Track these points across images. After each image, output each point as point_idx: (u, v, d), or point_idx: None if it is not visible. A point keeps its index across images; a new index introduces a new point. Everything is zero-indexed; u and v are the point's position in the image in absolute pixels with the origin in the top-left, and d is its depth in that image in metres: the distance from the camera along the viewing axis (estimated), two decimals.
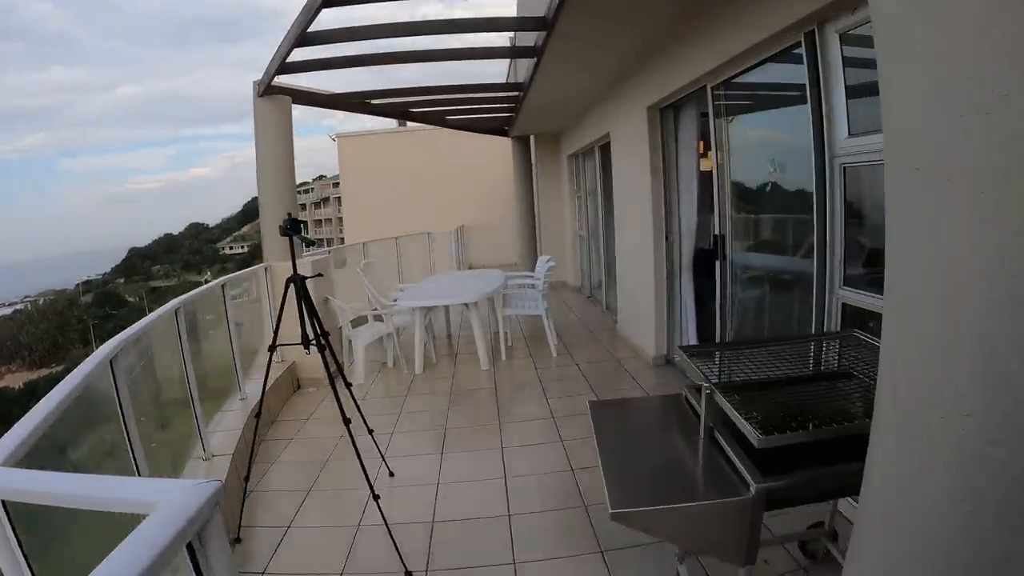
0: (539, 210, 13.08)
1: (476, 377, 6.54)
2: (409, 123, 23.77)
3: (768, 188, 4.45)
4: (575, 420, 5.07)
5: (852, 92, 3.35)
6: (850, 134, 3.36)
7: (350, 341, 6.68)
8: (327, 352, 3.77)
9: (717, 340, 5.09)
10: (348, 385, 4.06)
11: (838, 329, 3.57)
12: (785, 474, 2.01)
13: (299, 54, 5.82)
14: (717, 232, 4.90)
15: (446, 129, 18.75)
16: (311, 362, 6.24)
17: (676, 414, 2.73)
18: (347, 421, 3.57)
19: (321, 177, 79.71)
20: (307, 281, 3.79)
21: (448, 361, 7.25)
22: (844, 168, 3.45)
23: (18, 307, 71.42)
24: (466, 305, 6.68)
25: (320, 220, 71.30)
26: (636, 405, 3.85)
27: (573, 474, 4.15)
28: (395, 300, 7.22)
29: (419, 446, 4.88)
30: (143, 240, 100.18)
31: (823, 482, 2.08)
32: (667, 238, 6.29)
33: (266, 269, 6.42)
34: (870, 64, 2.19)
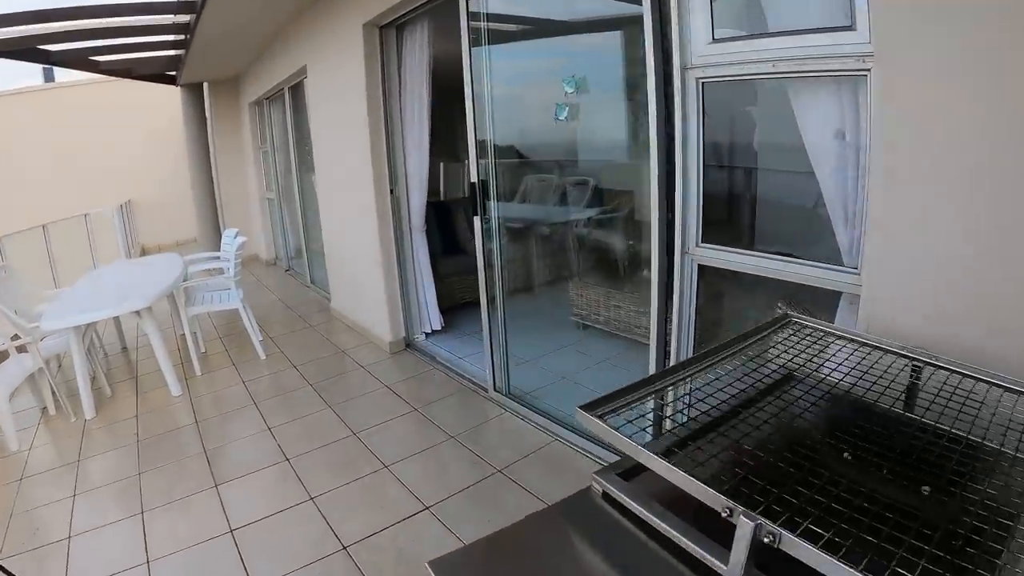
0: (218, 173, 10.73)
1: (169, 409, 4.57)
2: (56, 79, 19.13)
3: (565, 116, 3.28)
4: (320, 457, 3.60)
5: None
6: (714, 39, 2.31)
7: None
8: None
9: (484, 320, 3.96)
10: None
11: (692, 296, 2.58)
12: None
13: None
14: (476, 178, 3.65)
15: (101, 85, 15.38)
16: None
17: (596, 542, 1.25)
18: None
19: None
20: None
21: (129, 389, 5.06)
22: (702, 84, 2.40)
23: None
24: (137, 313, 4.69)
25: None
26: (512, 543, 2.50)
27: (348, 556, 2.74)
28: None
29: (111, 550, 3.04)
30: None
31: None
32: (392, 192, 4.97)
33: None
34: None
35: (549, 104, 3.26)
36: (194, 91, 10.19)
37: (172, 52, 8.13)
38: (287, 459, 3.61)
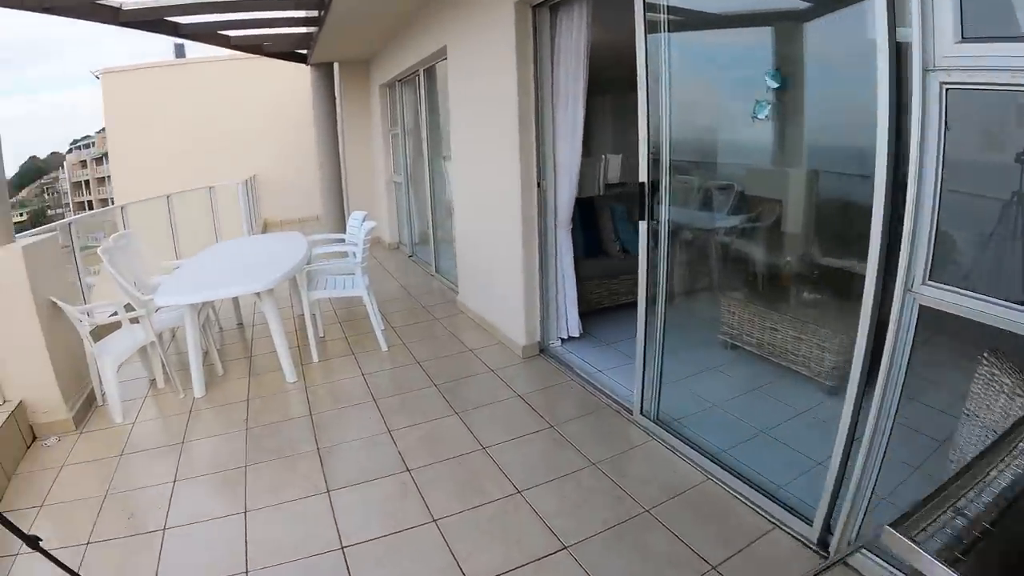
0: (345, 154, 10.89)
1: (282, 397, 4.51)
2: (188, 55, 20.23)
3: (766, 115, 2.89)
4: (444, 472, 3.36)
5: None
6: (963, 37, 1.90)
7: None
8: None
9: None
10: None
11: (907, 343, 2.18)
12: None
13: None
14: (646, 178, 3.32)
15: (233, 61, 16.06)
16: (49, 396, 4.14)
17: None
18: None
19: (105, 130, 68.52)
20: None
21: (241, 369, 5.09)
22: (947, 91, 1.99)
23: None
24: (256, 293, 4.66)
25: (103, 178, 60.04)
26: None
27: None
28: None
29: (208, 551, 2.91)
30: None
31: None
32: (539, 185, 4.70)
33: None
34: None
35: (738, 100, 2.90)
36: (324, 71, 10.35)
37: (304, 29, 8.19)
38: (408, 470, 3.40)
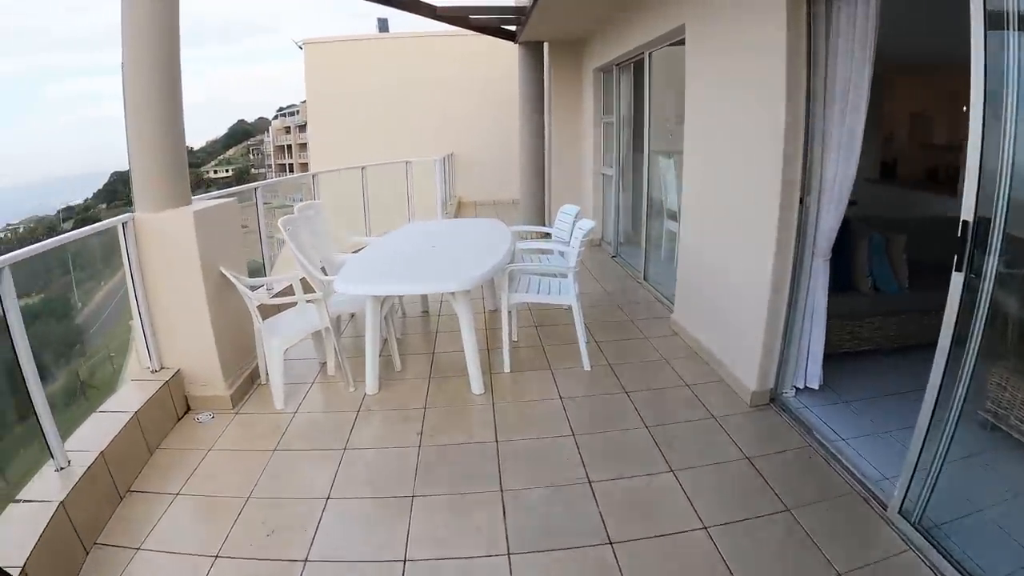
0: (550, 140, 10.58)
1: (465, 411, 4.19)
2: (391, 28, 20.93)
3: None
4: (656, 552, 2.80)
5: None
6: None
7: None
8: None
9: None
10: None
11: None
12: None
13: None
14: (971, 215, 2.54)
15: (435, 38, 16.37)
16: (208, 368, 4.14)
17: None
18: None
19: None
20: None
21: (421, 367, 4.87)
22: None
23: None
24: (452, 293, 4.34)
25: (305, 144, 65.52)
26: None
27: None
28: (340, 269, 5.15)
29: None
30: (124, 164, 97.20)
31: None
32: (801, 202, 3.97)
33: (123, 225, 3.92)
34: None
35: None
36: (533, 50, 10.05)
37: (516, 1, 7.85)
38: (610, 542, 2.87)
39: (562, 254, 5.49)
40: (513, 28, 9.70)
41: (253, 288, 4.52)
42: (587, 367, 4.78)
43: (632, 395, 4.37)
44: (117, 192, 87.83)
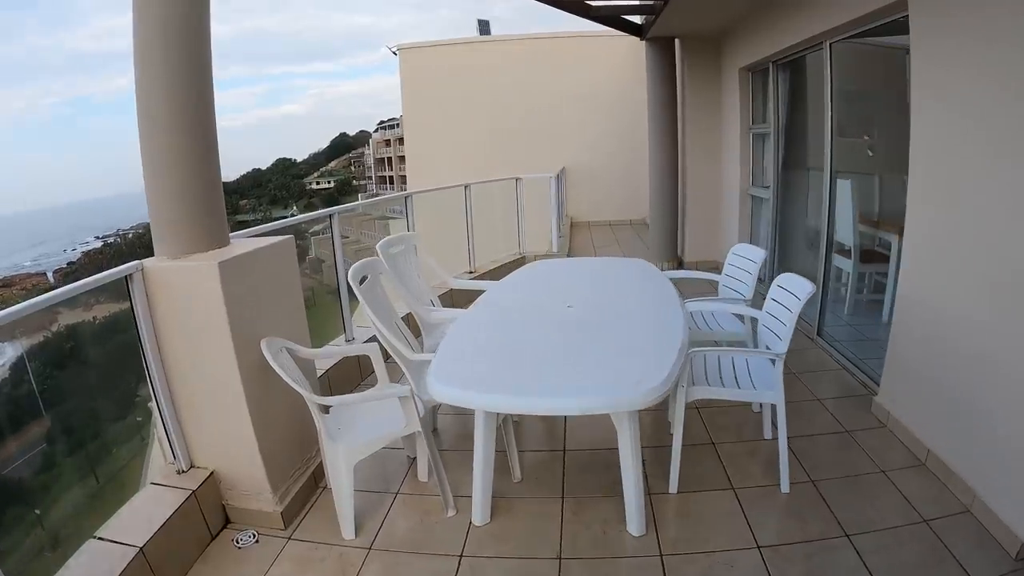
0: (683, 152, 9.34)
1: (618, 567, 3.03)
2: (493, 32, 20.15)
3: None
4: None
5: None
6: None
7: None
8: None
9: None
10: None
11: None
12: None
13: None
14: None
15: (541, 40, 15.41)
16: (250, 472, 3.25)
17: None
18: None
19: None
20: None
21: (550, 483, 3.68)
22: None
23: (110, 240, 72.55)
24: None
25: (404, 156, 67.13)
26: None
27: None
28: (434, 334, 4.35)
29: None
30: (232, 176, 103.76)
31: None
32: None
33: (128, 277, 3.05)
34: None
35: None
36: (663, 48, 8.92)
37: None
38: None
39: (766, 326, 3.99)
40: (640, 21, 8.62)
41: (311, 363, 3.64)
42: (785, 488, 3.55)
43: (856, 541, 3.11)
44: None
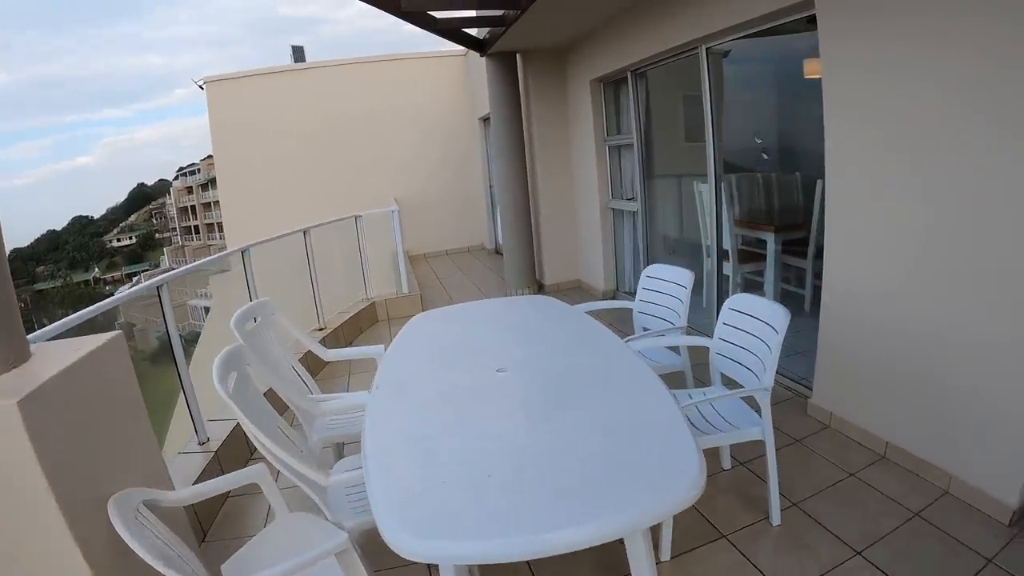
0: (533, 170, 9.31)
1: None
2: (308, 59, 19.10)
3: None
4: None
5: None
6: None
7: None
8: None
9: None
10: None
11: None
12: None
13: None
14: None
15: (362, 64, 14.74)
16: None
17: None
18: None
19: (211, 157, 78.05)
20: None
21: None
22: None
23: None
24: None
25: (209, 203, 68.39)
26: None
27: None
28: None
29: None
30: (25, 240, 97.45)
31: None
32: None
33: None
34: None
35: None
36: (505, 63, 8.81)
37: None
38: None
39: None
40: (481, 36, 8.50)
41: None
42: (776, 520, 3.37)
43: (870, 556, 3.03)
44: (16, 270, 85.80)
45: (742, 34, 5.07)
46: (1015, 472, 3.13)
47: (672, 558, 3.17)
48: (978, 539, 3.05)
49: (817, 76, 5.53)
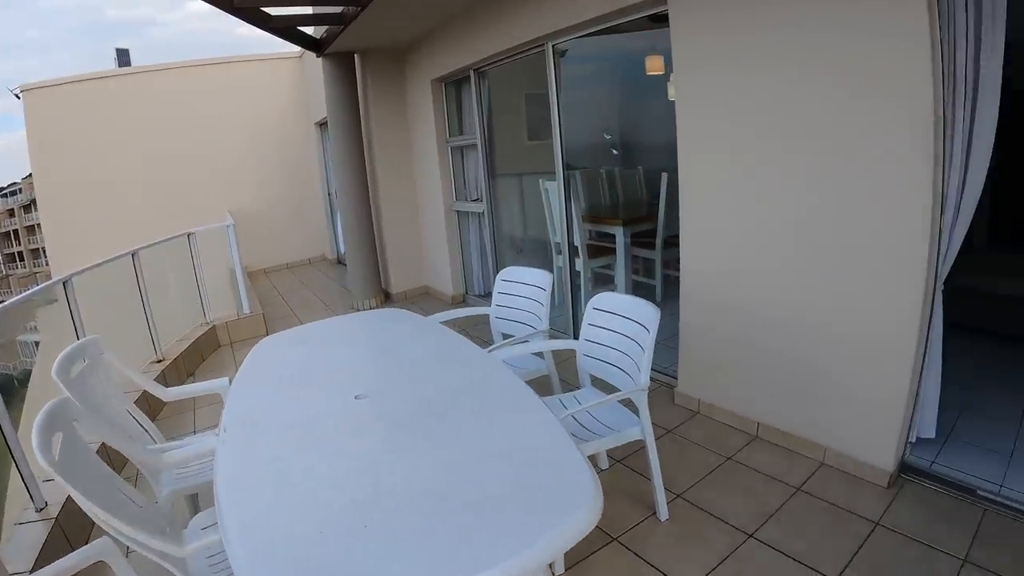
0: (375, 174, 9.12)
1: None
2: (134, 63, 17.65)
3: None
4: None
5: None
6: None
7: None
8: None
9: None
10: None
11: None
12: None
13: None
14: None
15: (191, 68, 13.83)
16: None
17: None
18: None
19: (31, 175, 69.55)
20: None
21: None
22: None
23: None
24: None
25: (33, 226, 62.12)
26: None
27: None
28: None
29: None
30: None
31: None
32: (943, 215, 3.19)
33: None
34: None
35: None
36: (343, 63, 8.60)
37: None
38: None
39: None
40: (316, 35, 8.24)
41: None
42: (665, 514, 3.46)
43: (762, 535, 3.21)
44: None
45: (591, 30, 5.18)
46: (886, 436, 3.44)
47: (567, 569, 3.16)
48: (862, 504, 3.33)
49: (659, 73, 5.80)
